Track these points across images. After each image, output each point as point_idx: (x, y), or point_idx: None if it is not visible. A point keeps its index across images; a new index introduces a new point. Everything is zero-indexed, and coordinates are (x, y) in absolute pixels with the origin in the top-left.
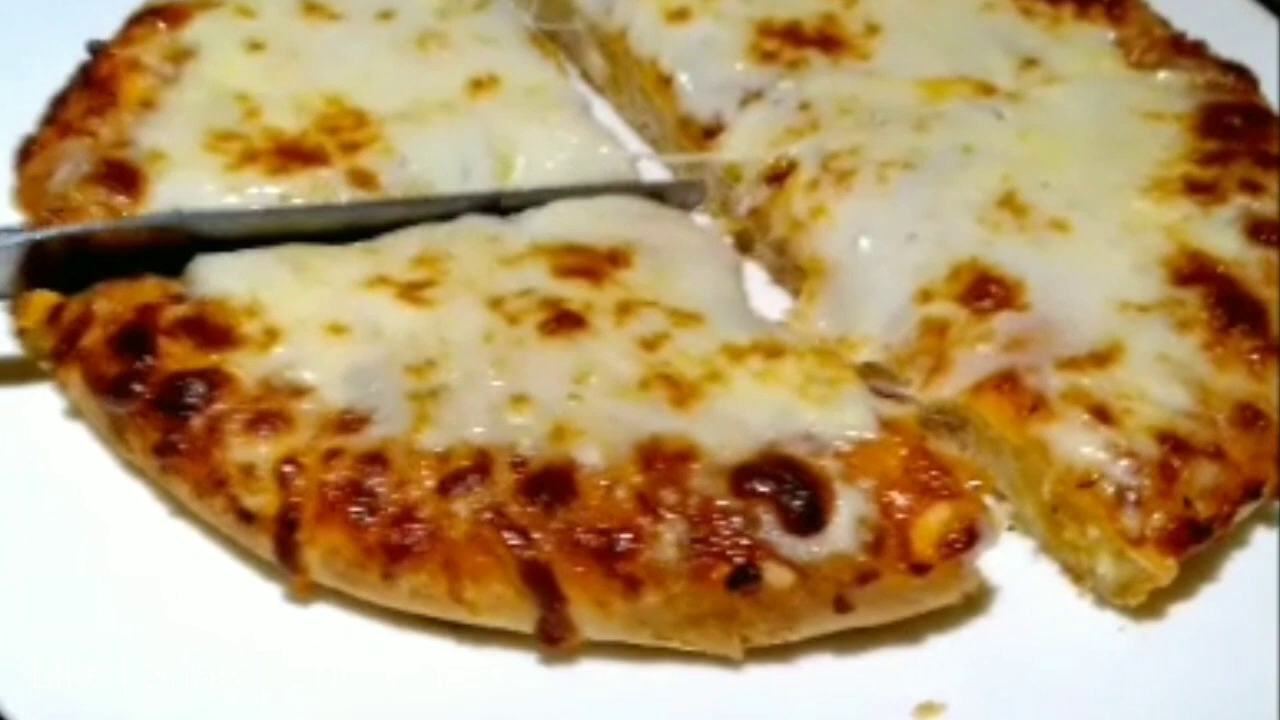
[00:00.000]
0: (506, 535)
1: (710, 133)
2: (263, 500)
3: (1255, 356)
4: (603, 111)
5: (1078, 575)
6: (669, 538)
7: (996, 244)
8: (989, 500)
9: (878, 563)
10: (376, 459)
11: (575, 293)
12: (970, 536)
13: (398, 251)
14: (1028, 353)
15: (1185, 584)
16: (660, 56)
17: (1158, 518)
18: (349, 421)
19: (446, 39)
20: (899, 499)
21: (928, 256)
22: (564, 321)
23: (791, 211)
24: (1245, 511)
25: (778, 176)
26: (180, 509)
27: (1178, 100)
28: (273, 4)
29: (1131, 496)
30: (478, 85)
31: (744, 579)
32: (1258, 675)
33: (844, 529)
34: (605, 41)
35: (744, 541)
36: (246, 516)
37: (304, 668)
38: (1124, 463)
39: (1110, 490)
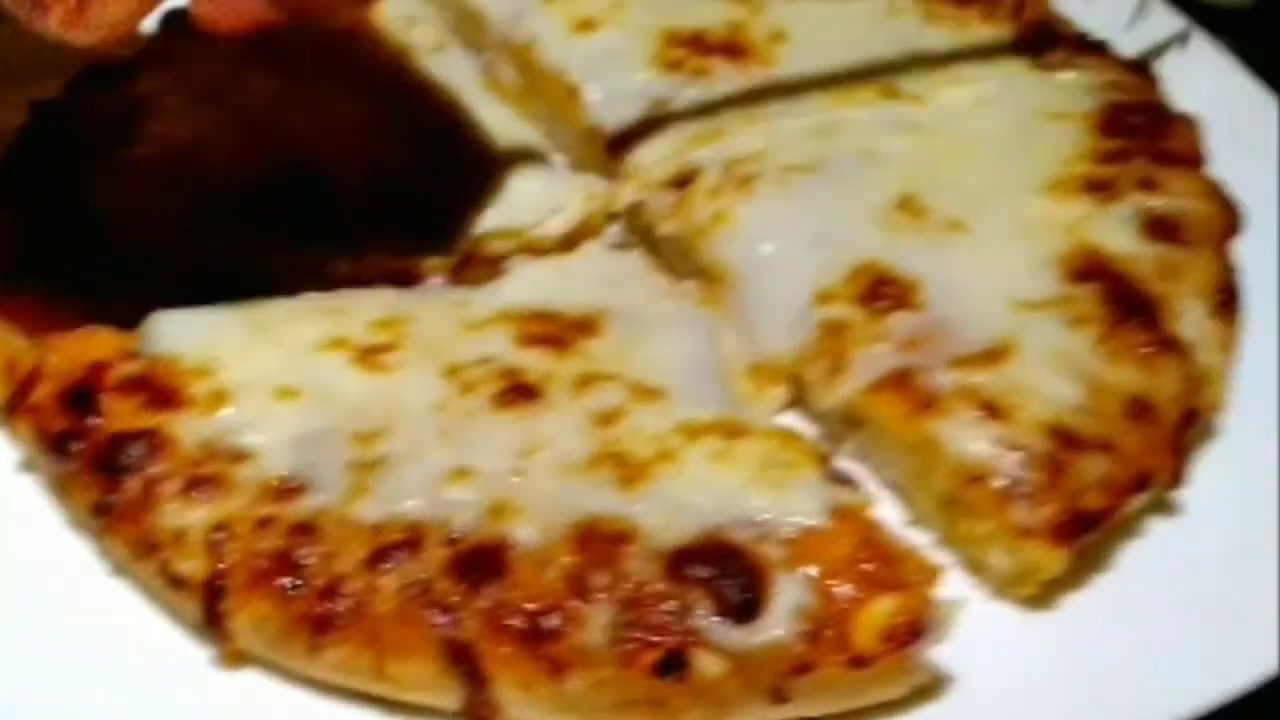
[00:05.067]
0: (430, 613)
1: (617, 142)
2: (193, 566)
3: (1147, 351)
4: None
5: (974, 567)
6: (598, 621)
7: (894, 245)
8: (939, 594)
9: (815, 653)
10: (308, 529)
11: (535, 363)
12: (915, 630)
13: (361, 311)
14: (922, 351)
15: (1080, 575)
16: (567, 67)
17: (1047, 510)
18: (286, 489)
19: None
20: (841, 589)
21: (828, 259)
22: (518, 393)
23: (693, 218)
24: (1136, 503)
25: (681, 183)
26: (119, 568)
27: (1080, 100)
28: None
29: (1021, 490)
30: None
31: (673, 666)
32: (1151, 663)
33: (780, 618)
34: (515, 53)
35: (675, 628)
36: (176, 582)
37: None
38: (1013, 457)
39: (999, 484)
